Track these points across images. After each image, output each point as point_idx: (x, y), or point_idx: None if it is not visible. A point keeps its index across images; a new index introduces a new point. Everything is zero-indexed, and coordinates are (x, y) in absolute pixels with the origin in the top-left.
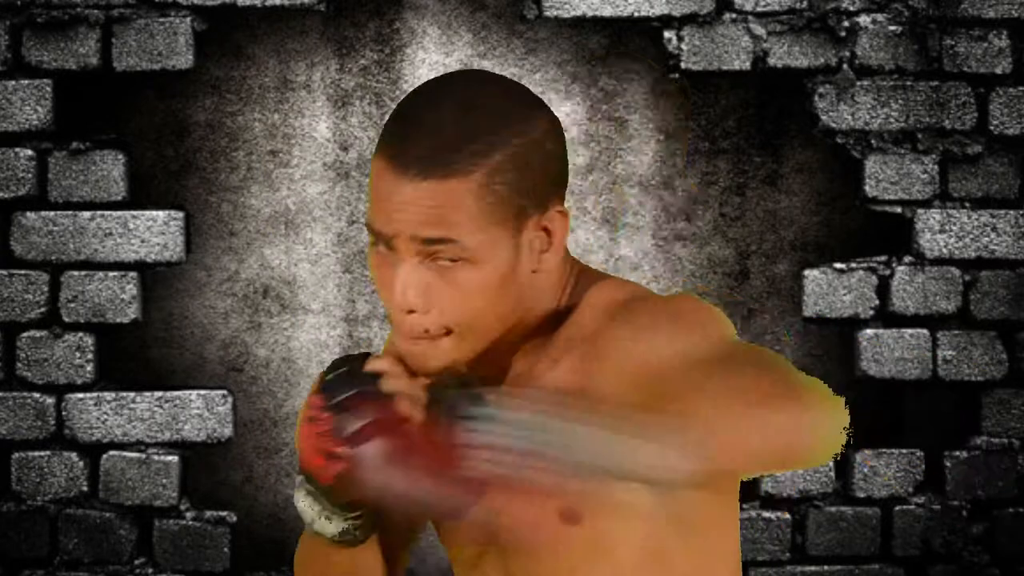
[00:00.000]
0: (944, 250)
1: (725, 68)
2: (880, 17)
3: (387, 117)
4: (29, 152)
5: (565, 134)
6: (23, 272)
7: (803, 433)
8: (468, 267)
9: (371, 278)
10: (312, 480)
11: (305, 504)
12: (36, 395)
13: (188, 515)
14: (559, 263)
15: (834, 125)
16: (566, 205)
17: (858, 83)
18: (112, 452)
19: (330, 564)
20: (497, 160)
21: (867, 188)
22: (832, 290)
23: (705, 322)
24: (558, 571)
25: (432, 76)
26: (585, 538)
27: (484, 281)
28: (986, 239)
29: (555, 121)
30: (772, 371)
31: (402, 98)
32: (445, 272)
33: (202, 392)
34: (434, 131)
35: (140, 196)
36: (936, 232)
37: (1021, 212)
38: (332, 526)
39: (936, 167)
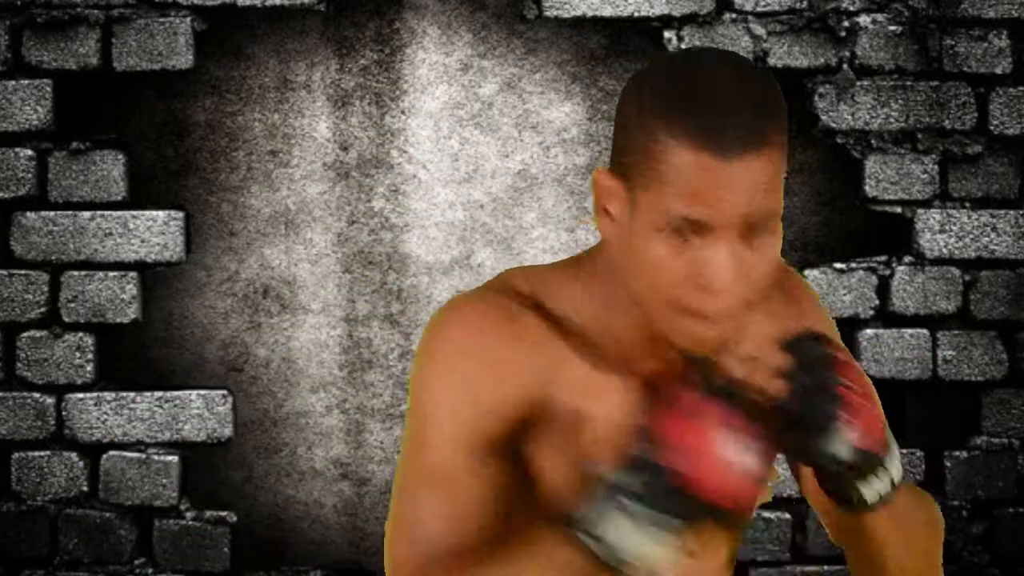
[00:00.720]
0: (944, 250)
1: None
2: (880, 17)
3: (650, 95)
4: (29, 152)
5: (564, 134)
6: (23, 272)
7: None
8: (777, 235)
9: (654, 270)
10: (699, 507)
11: (620, 525)
12: (36, 395)
13: (188, 515)
14: None
15: (834, 125)
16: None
17: (858, 83)
18: (112, 452)
19: None
20: (783, 130)
21: (867, 188)
22: (832, 290)
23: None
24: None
25: (432, 76)
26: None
27: (779, 245)
28: (986, 239)
29: None
30: None
31: (652, 76)
32: (760, 246)
33: (202, 392)
34: (737, 109)
35: (140, 196)
36: (936, 232)
37: (1021, 212)
38: (670, 552)
39: (936, 167)
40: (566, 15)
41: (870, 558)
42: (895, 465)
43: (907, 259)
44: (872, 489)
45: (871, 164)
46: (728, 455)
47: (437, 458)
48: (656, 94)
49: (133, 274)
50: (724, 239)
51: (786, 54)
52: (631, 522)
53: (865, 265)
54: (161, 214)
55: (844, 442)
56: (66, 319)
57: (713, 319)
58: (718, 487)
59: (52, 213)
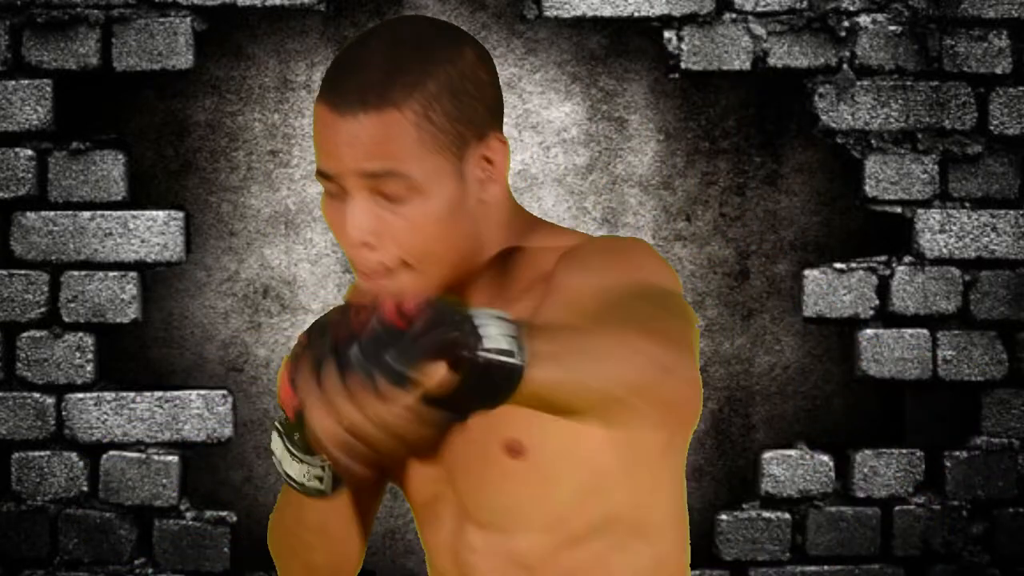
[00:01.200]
0: (944, 250)
1: (725, 68)
2: (880, 17)
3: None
4: (29, 152)
5: (564, 134)
6: (23, 272)
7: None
8: (417, 198)
9: (327, 225)
10: (284, 421)
11: (276, 445)
12: (36, 395)
13: (188, 515)
14: (504, 196)
15: (834, 125)
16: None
17: (858, 83)
18: (112, 452)
19: (302, 518)
20: (431, 89)
21: (867, 188)
22: (832, 290)
23: (645, 265)
24: (504, 504)
25: None
26: (528, 470)
27: (433, 211)
28: (986, 239)
29: (483, 51)
30: (669, 316)
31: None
32: (396, 207)
33: (202, 392)
34: (365, 68)
35: (140, 196)
36: (936, 232)
37: (1021, 212)
38: (299, 468)
39: (936, 167)
40: (566, 15)
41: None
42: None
43: (907, 259)
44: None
45: (871, 164)
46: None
47: None
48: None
49: (133, 274)
50: (354, 195)
51: (786, 54)
52: (281, 440)
53: (865, 265)
54: (161, 214)
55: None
56: (66, 319)
57: (364, 273)
58: (283, 397)
59: (52, 213)
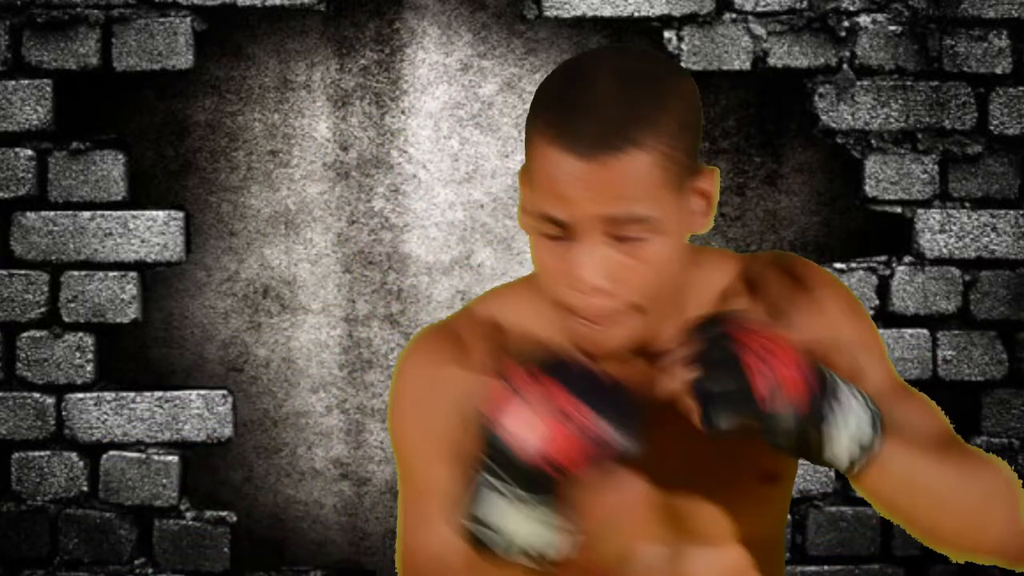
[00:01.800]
0: (944, 250)
1: (725, 68)
2: (880, 17)
3: (536, 97)
4: (29, 152)
5: None
6: (23, 272)
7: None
8: (656, 240)
9: (540, 270)
10: (544, 480)
11: (497, 510)
12: (36, 395)
13: (188, 515)
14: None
15: (834, 125)
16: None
17: (858, 83)
18: (112, 452)
19: None
20: (670, 127)
21: (867, 188)
22: None
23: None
24: (748, 523)
25: (432, 76)
26: (779, 496)
27: (670, 251)
28: (986, 239)
29: (693, 81)
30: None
31: (546, 79)
32: (634, 249)
33: (202, 392)
34: (602, 107)
35: (140, 196)
36: (936, 232)
37: (1021, 212)
38: (530, 524)
39: (936, 167)
40: (566, 15)
41: (895, 517)
42: (849, 424)
43: (907, 259)
44: (836, 451)
45: (871, 164)
46: (537, 419)
47: (424, 476)
48: (538, 94)
49: (133, 274)
50: (587, 239)
51: (786, 54)
52: (503, 500)
53: (865, 265)
54: (161, 214)
55: (747, 408)
56: (66, 319)
57: (593, 319)
58: (534, 448)
59: (52, 213)
